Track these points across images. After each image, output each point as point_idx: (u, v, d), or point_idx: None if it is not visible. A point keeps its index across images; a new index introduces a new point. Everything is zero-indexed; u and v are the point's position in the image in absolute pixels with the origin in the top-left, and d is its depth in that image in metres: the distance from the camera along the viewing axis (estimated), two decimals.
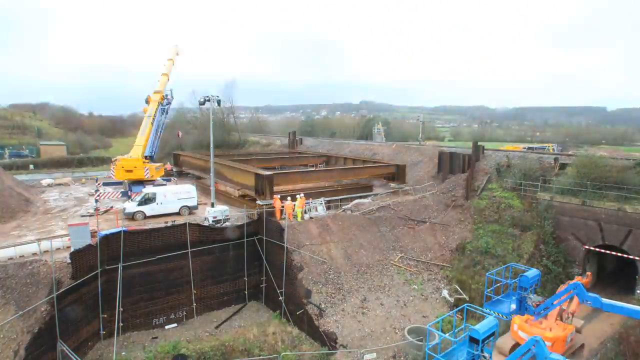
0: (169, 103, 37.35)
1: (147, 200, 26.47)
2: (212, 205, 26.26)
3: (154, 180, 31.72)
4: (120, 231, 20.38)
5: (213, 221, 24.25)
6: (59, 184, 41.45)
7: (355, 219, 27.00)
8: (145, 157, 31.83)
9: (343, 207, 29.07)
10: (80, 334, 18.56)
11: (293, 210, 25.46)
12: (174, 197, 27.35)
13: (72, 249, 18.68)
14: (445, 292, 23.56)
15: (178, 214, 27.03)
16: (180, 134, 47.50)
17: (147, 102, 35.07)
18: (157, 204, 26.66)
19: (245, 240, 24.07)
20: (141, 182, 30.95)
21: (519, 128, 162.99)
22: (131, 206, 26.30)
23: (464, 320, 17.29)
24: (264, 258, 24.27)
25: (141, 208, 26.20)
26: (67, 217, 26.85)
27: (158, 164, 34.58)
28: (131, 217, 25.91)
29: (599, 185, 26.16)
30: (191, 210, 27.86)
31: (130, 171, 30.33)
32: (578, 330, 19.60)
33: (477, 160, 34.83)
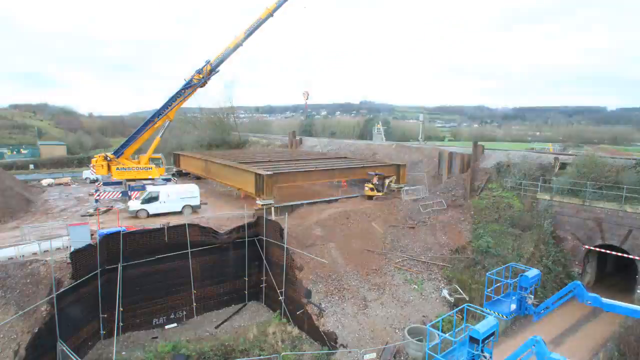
0: (200, 83, 32.20)
1: (151, 199, 26.82)
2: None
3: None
4: (120, 231, 20.38)
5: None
6: (59, 184, 41.47)
7: (355, 218, 27.00)
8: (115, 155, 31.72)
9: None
10: (80, 333, 18.56)
11: None
12: (176, 197, 27.60)
13: (72, 249, 18.69)
14: (445, 292, 23.55)
15: (181, 213, 27.14)
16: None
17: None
18: (161, 202, 26.97)
19: (246, 240, 24.08)
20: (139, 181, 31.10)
21: (519, 128, 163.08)
22: (135, 205, 26.59)
23: (464, 320, 17.28)
24: (263, 258, 24.26)
25: (144, 206, 26.56)
26: (67, 217, 26.86)
27: (132, 165, 33.24)
28: (134, 215, 26.17)
29: (599, 185, 26.16)
30: (194, 209, 28.02)
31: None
32: None
33: (477, 160, 34.83)
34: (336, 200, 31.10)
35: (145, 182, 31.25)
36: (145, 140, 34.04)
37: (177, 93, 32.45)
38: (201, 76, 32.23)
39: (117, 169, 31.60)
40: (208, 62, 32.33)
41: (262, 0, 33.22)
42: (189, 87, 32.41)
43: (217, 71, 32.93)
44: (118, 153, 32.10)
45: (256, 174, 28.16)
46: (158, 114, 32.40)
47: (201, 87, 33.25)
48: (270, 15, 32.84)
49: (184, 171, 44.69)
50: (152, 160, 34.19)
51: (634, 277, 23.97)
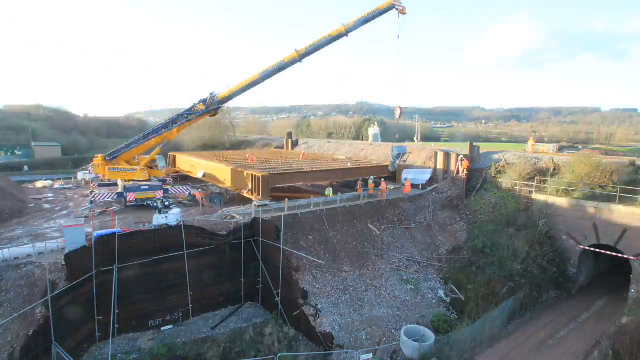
0: (201, 114, 32.39)
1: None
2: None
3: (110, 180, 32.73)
4: (115, 232, 20.27)
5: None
6: (54, 186, 41.17)
7: (352, 219, 27.00)
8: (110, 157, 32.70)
9: None
10: (76, 336, 18.41)
11: None
12: None
13: (66, 251, 18.56)
14: (441, 292, 23.62)
15: None
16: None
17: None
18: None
19: (242, 241, 24.02)
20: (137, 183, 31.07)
21: (515, 129, 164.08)
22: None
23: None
24: (260, 259, 24.22)
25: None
26: (61, 219, 26.67)
27: (132, 167, 33.68)
28: None
29: (594, 185, 26.34)
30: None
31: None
32: None
33: (473, 161, 34.97)
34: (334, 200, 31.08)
35: (142, 183, 31.17)
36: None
37: (176, 117, 32.45)
38: (203, 107, 32.03)
39: (109, 168, 32.79)
40: (213, 95, 31.84)
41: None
42: (191, 115, 32.50)
43: (222, 106, 33.38)
44: (111, 157, 33.19)
45: (252, 175, 28.14)
46: (156, 131, 32.70)
47: (213, 116, 33.76)
48: (298, 60, 30.54)
49: (180, 172, 44.56)
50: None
51: (628, 277, 24.11)
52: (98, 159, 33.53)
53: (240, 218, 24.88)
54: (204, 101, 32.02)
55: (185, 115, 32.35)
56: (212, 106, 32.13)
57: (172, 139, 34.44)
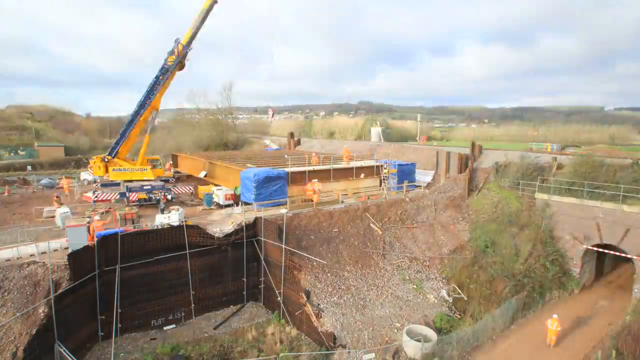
0: (175, 64, 30.81)
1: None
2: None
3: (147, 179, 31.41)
4: (117, 232, 20.34)
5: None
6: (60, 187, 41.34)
7: (354, 218, 27.01)
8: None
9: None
10: (79, 335, 18.49)
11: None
12: None
13: (69, 250, 18.64)
14: (443, 292, 23.59)
15: None
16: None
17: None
18: None
19: (244, 240, 24.06)
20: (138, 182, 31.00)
21: (517, 128, 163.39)
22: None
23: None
24: (262, 259, 24.25)
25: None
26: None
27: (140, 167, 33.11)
28: None
29: (597, 184, 26.24)
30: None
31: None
32: None
33: (476, 160, 34.90)
34: (336, 199, 31.09)
35: (143, 183, 31.20)
36: (138, 138, 33.35)
37: (154, 81, 31.10)
38: (174, 57, 30.76)
39: (113, 169, 31.34)
40: (178, 41, 30.74)
41: None
42: (167, 72, 30.98)
43: (191, 48, 31.34)
44: (112, 153, 31.54)
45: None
46: (142, 105, 31.19)
47: (181, 70, 31.68)
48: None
49: (182, 172, 44.70)
50: (150, 161, 34.14)
51: (632, 276, 24.04)
52: (97, 160, 31.46)
53: (242, 218, 24.90)
54: (171, 53, 30.71)
55: (161, 76, 30.96)
56: (182, 53, 30.77)
57: (159, 109, 32.58)
